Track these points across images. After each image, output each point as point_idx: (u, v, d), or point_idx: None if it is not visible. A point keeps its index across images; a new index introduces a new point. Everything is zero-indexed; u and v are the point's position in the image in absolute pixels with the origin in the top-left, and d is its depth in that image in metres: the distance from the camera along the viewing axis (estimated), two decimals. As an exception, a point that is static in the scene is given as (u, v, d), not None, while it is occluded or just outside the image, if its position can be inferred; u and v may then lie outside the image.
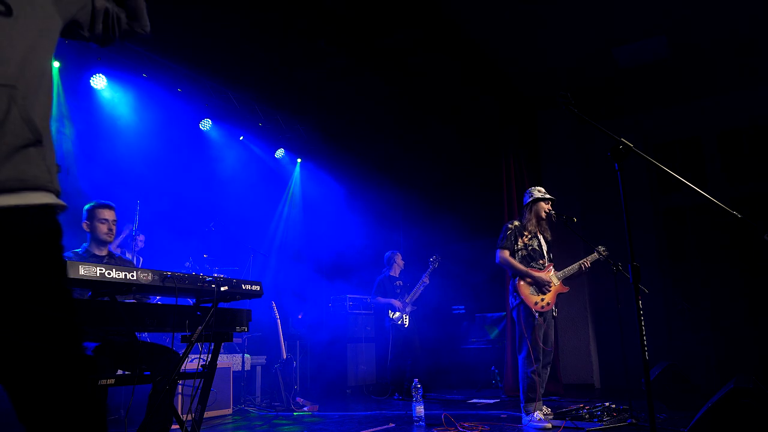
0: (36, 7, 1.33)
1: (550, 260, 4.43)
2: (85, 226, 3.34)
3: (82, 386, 1.21)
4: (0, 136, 1.16)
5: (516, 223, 4.43)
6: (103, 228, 3.31)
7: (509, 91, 6.96)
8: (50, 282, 1.21)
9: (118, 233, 5.14)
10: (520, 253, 4.33)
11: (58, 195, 1.29)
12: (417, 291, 6.64)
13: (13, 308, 1.15)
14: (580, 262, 4.37)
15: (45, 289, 1.20)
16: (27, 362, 1.16)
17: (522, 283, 4.23)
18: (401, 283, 6.79)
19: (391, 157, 8.37)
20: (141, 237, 5.51)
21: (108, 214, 3.34)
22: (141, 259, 5.58)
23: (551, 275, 4.31)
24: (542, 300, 4.23)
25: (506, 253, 4.31)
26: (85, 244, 3.37)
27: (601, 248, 4.42)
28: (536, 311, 4.18)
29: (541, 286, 4.24)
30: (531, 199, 4.44)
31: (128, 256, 5.32)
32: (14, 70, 1.22)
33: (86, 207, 3.36)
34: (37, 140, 1.24)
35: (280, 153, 7.63)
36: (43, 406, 1.16)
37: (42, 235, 1.23)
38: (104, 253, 3.39)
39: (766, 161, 6.76)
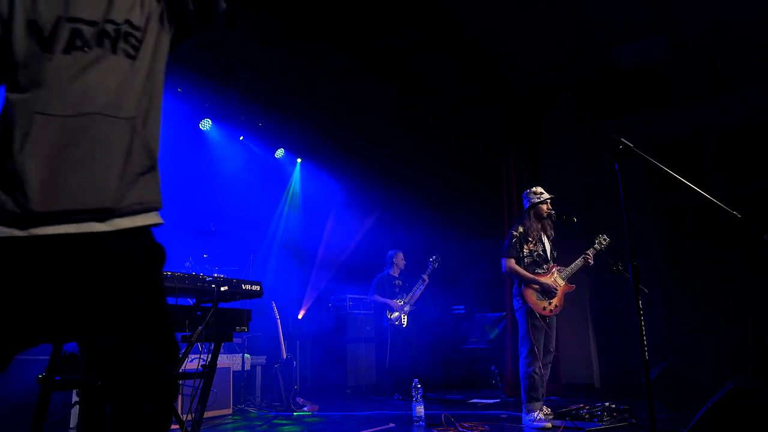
0: (152, 35, 1.45)
1: (553, 261, 4.43)
2: None
3: (170, 393, 1.39)
4: (126, 165, 1.32)
5: (521, 229, 4.38)
6: None
7: (509, 91, 6.95)
8: (160, 294, 1.38)
9: None
10: (525, 260, 4.31)
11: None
12: (416, 291, 6.64)
13: (128, 321, 1.29)
14: (583, 256, 4.39)
15: (157, 300, 1.36)
16: (129, 362, 1.29)
17: (529, 290, 4.22)
18: (400, 283, 6.78)
19: (391, 158, 8.37)
20: None
21: None
22: None
23: (555, 278, 4.32)
24: (549, 304, 4.25)
25: (512, 262, 4.29)
26: None
27: (601, 237, 4.45)
28: (544, 315, 4.20)
29: (547, 292, 4.25)
30: (529, 204, 4.43)
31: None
32: (135, 102, 1.36)
33: None
34: (154, 165, 1.40)
35: (280, 153, 7.63)
36: (133, 407, 1.32)
37: (156, 252, 1.40)
38: None
39: (766, 161, 6.76)
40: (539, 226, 4.41)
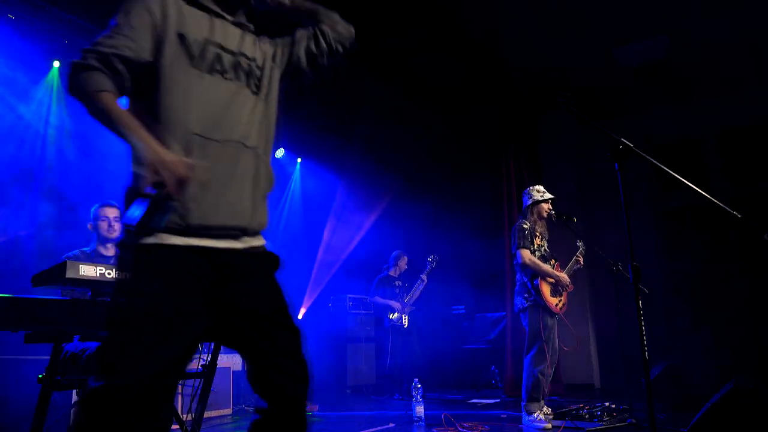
0: (267, 74, 1.64)
1: (556, 260, 4.44)
2: (90, 227, 3.42)
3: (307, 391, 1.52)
4: (255, 190, 1.49)
5: (527, 224, 4.36)
6: (103, 225, 3.38)
7: (510, 91, 6.95)
8: (284, 303, 1.59)
9: None
10: (535, 254, 4.28)
11: None
12: (416, 291, 6.63)
13: (275, 323, 1.51)
14: (574, 258, 4.50)
15: (286, 302, 1.59)
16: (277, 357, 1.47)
17: (543, 284, 4.19)
18: (400, 283, 6.78)
19: (391, 158, 8.36)
20: None
21: (109, 212, 3.41)
22: None
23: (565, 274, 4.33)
24: (560, 301, 4.26)
25: (528, 253, 4.22)
26: (93, 244, 3.42)
27: (580, 242, 4.60)
28: (554, 312, 4.20)
29: (558, 287, 4.25)
30: (532, 201, 4.42)
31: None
32: (257, 133, 1.54)
33: (92, 208, 3.45)
34: (271, 190, 1.57)
35: (280, 153, 7.63)
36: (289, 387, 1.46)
37: (277, 260, 1.62)
38: (111, 252, 3.41)
39: (767, 161, 6.76)
40: (542, 223, 4.42)
